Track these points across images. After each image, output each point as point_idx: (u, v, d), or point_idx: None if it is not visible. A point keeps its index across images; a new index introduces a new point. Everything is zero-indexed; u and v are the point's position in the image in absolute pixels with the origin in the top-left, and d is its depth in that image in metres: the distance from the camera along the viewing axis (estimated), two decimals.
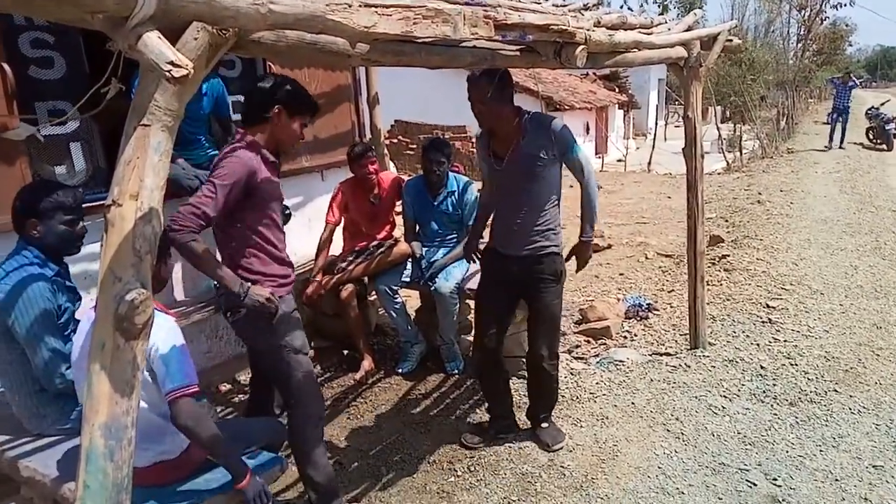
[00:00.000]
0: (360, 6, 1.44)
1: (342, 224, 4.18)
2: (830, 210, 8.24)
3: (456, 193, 4.01)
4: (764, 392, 3.60)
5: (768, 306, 4.83)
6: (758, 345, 4.21)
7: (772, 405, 3.47)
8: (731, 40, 4.06)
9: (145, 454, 1.99)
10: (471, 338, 4.21)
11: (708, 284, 4.84)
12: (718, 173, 13.63)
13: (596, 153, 19.00)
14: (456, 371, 4.01)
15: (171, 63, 1.11)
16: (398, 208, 4.24)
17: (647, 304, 5.01)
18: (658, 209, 9.28)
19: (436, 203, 4.02)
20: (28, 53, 3.03)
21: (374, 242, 4.10)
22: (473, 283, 3.79)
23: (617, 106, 21.66)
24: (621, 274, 6.08)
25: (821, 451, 3.05)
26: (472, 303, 3.93)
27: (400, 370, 4.06)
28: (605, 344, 4.45)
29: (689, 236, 4.09)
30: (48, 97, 3.11)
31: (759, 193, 9.53)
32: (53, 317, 2.24)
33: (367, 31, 1.48)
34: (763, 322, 4.56)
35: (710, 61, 3.87)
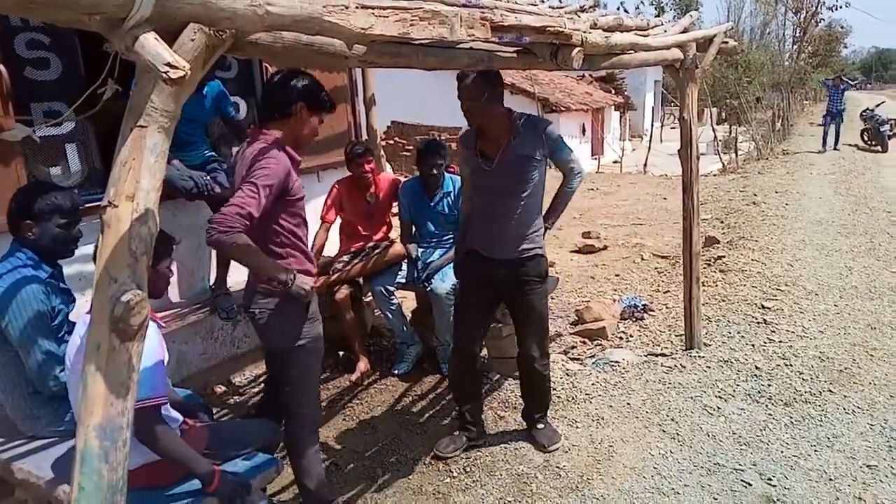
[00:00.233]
0: (356, 8, 1.44)
1: (339, 225, 4.18)
2: (825, 211, 8.28)
3: (452, 194, 4.01)
4: (759, 392, 3.61)
5: (763, 307, 4.84)
6: (753, 345, 4.22)
7: (767, 405, 3.48)
8: (726, 42, 4.08)
9: (134, 455, 1.99)
10: None
11: (703, 285, 4.85)
12: (714, 175, 13.68)
13: (592, 155, 19.05)
14: None
15: (168, 64, 1.11)
16: (395, 209, 4.25)
17: (643, 305, 5.02)
18: (654, 210, 9.31)
19: (432, 204, 4.03)
20: (24, 54, 3.02)
21: (371, 244, 4.11)
22: None
23: (613, 107, 21.72)
24: (617, 275, 6.09)
25: (815, 450, 3.06)
26: None
27: (396, 371, 4.06)
28: (600, 345, 4.46)
29: (684, 237, 4.11)
30: (44, 98, 3.11)
31: (755, 195, 9.57)
32: (47, 319, 2.24)
33: (363, 33, 1.48)
34: (758, 323, 4.57)
35: (706, 63, 3.88)
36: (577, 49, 2.27)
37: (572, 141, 17.91)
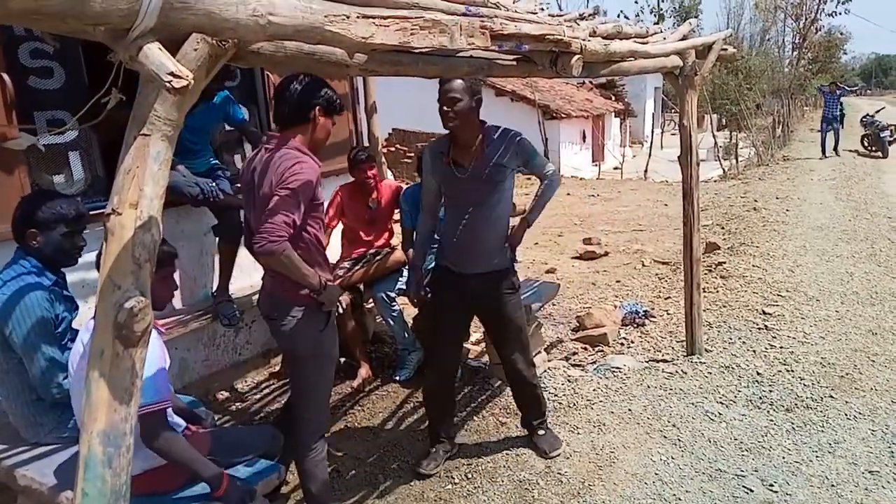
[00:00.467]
0: (357, 17, 1.46)
1: (341, 231, 4.19)
2: (826, 217, 8.28)
3: None
4: (760, 398, 3.61)
5: (764, 313, 4.84)
6: (754, 351, 4.22)
7: (768, 411, 3.48)
8: (725, 49, 4.10)
9: (135, 461, 2.00)
10: (469, 345, 4.23)
11: (704, 291, 4.86)
12: (714, 181, 13.69)
13: (593, 161, 19.09)
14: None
15: (172, 74, 1.13)
16: (396, 216, 4.26)
17: (644, 311, 5.02)
18: (654, 217, 9.32)
19: None
20: (28, 64, 3.04)
21: (372, 250, 4.12)
22: None
23: (613, 114, 21.78)
24: (618, 281, 6.10)
25: (817, 456, 3.05)
26: None
27: (397, 378, 4.06)
28: (602, 351, 4.46)
29: (685, 243, 4.11)
30: (47, 107, 3.13)
31: (755, 201, 9.57)
32: (51, 326, 2.25)
33: (364, 42, 1.50)
34: (759, 328, 4.57)
35: (706, 70, 3.90)
36: (577, 57, 2.29)
37: (573, 147, 17.98)
